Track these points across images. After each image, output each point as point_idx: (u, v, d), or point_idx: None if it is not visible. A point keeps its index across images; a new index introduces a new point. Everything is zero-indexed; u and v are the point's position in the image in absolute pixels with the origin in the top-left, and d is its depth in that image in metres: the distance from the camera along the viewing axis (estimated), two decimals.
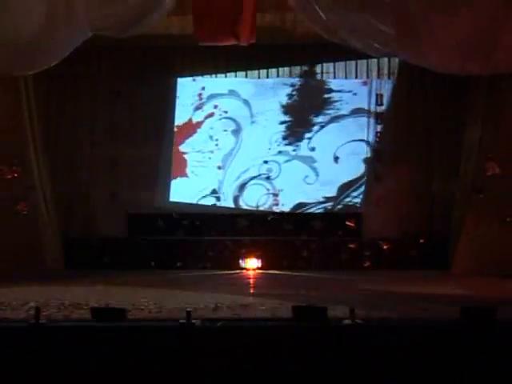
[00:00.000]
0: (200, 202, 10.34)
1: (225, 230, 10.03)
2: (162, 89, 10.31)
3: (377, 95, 10.15)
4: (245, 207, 10.34)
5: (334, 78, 10.19)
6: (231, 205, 10.36)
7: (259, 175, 10.39)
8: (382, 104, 10.14)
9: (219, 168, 10.36)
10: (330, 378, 4.70)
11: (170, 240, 9.85)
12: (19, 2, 6.38)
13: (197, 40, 7.22)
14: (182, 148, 10.44)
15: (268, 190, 10.39)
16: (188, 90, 10.43)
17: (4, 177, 8.49)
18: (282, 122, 10.38)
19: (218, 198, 10.36)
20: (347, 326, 4.82)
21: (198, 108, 10.45)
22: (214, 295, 6.67)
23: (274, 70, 10.20)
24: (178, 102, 10.43)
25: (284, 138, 10.38)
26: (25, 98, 8.95)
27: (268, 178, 10.38)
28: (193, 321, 4.81)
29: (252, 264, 9.43)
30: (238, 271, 9.26)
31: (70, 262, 9.43)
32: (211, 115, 10.43)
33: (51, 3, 6.36)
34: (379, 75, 10.15)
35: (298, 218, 10.18)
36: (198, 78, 10.40)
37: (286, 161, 10.37)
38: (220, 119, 10.43)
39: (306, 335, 4.82)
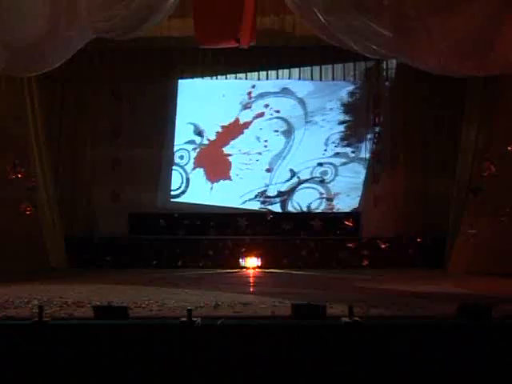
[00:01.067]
0: (243, 206, 10.10)
1: (225, 229, 10.03)
2: (164, 90, 10.30)
3: (374, 97, 10.15)
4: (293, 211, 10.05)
5: (333, 79, 10.19)
6: (278, 209, 10.13)
7: (312, 178, 10.13)
8: (379, 106, 10.13)
9: (267, 171, 10.14)
10: (329, 375, 4.69)
11: (171, 239, 9.85)
12: (24, 7, 6.38)
13: (198, 42, 7.22)
14: (226, 150, 10.21)
15: (321, 194, 10.18)
16: (236, 88, 10.20)
17: (8, 177, 8.47)
18: (342, 122, 10.16)
19: (264, 202, 10.11)
20: (346, 323, 4.81)
21: (246, 107, 10.23)
22: (215, 293, 6.66)
23: (273, 72, 10.20)
24: (224, 100, 10.16)
25: (342, 139, 10.13)
26: (28, 99, 8.94)
27: (322, 181, 10.12)
28: (193, 319, 4.79)
29: (252, 263, 9.44)
30: (238, 270, 9.26)
31: (73, 261, 9.43)
32: (261, 115, 10.23)
33: (54, 7, 6.36)
34: (377, 77, 10.14)
35: (298, 217, 10.17)
36: (249, 75, 10.15)
37: (344, 163, 10.12)
38: (270, 119, 10.22)
39: (306, 333, 4.82)
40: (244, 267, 9.39)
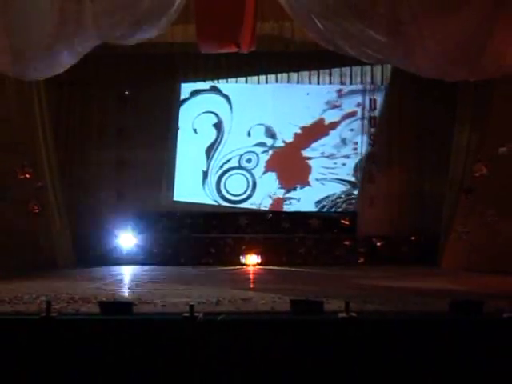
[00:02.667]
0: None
1: (226, 227, 10.03)
2: (167, 93, 10.31)
3: (370, 100, 10.15)
4: None
5: (330, 83, 10.19)
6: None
7: None
8: (375, 109, 10.14)
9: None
10: (327, 368, 4.70)
11: (174, 237, 9.85)
12: (33, 14, 6.38)
13: (199, 48, 7.22)
14: (305, 153, 9.90)
15: None
16: (321, 89, 9.98)
17: (17, 177, 8.47)
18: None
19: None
20: (342, 318, 4.81)
21: (334, 106, 10.01)
22: (216, 290, 6.67)
23: (272, 76, 10.20)
24: (308, 99, 9.91)
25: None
26: (37, 103, 8.94)
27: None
28: (196, 314, 4.80)
29: (252, 260, 9.43)
30: (238, 267, 9.25)
31: (79, 259, 9.42)
32: (352, 114, 10.03)
33: (62, 14, 6.36)
34: (373, 81, 10.15)
35: (296, 216, 10.17)
36: (335, 71, 9.82)
37: None
38: (362, 118, 10.05)
39: (304, 327, 4.82)
40: (244, 264, 9.38)
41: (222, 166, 10.38)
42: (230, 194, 10.34)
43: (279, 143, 10.26)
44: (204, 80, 10.25)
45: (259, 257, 9.45)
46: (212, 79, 10.26)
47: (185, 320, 4.76)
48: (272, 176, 10.24)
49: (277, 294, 6.17)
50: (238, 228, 10.00)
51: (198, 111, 10.40)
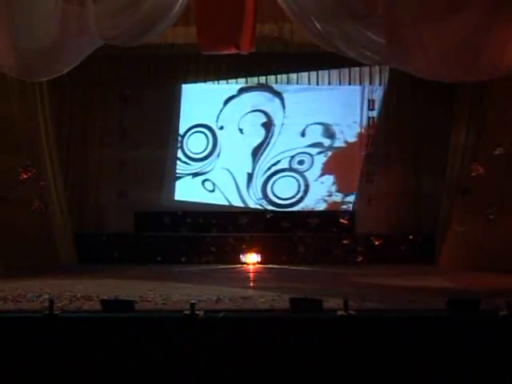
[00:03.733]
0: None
1: (226, 226, 10.03)
2: (168, 94, 10.31)
3: (369, 101, 10.16)
4: None
5: (329, 84, 10.20)
6: None
7: None
8: (373, 109, 10.15)
9: None
10: (326, 365, 4.71)
11: (174, 236, 9.85)
12: (35, 15, 6.39)
13: (200, 49, 7.24)
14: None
15: None
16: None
17: (20, 177, 8.48)
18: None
19: None
20: (341, 316, 4.82)
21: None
22: (217, 288, 6.67)
23: (272, 77, 10.20)
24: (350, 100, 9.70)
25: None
26: (39, 103, 8.94)
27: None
28: (196, 312, 4.81)
29: (252, 259, 9.42)
30: (238, 265, 9.24)
31: (82, 257, 9.43)
32: None
33: (65, 15, 6.37)
34: (371, 82, 10.16)
35: (295, 215, 10.17)
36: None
37: None
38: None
39: (303, 325, 4.83)
40: (244, 263, 9.37)
41: (269, 168, 10.22)
42: (278, 198, 10.13)
43: (339, 143, 10.02)
44: (205, 81, 10.25)
45: (259, 255, 9.44)
46: (213, 80, 10.25)
47: (186, 318, 4.78)
48: (329, 179, 10.02)
49: (276, 293, 6.17)
50: (238, 227, 10.00)
51: (246, 109, 10.23)
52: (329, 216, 10.09)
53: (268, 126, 10.23)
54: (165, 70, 10.06)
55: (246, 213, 10.15)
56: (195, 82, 10.28)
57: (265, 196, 10.28)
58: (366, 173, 10.09)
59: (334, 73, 10.12)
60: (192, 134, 10.40)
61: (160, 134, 10.22)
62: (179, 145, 10.35)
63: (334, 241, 9.74)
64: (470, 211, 8.67)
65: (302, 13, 6.71)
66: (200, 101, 10.30)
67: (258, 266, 9.28)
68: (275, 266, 9.11)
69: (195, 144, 10.38)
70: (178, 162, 10.37)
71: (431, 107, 9.80)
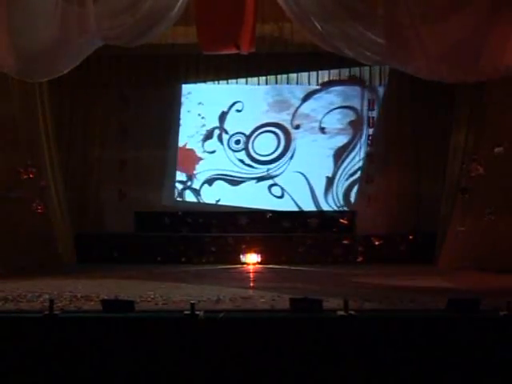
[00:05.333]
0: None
1: (226, 226, 10.02)
2: (168, 94, 10.31)
3: (369, 101, 10.15)
4: None
5: (329, 84, 10.18)
6: None
7: None
8: (373, 109, 10.14)
9: None
10: (326, 365, 4.70)
11: (175, 236, 9.84)
12: (36, 15, 6.39)
13: (200, 49, 7.24)
14: None
15: None
16: None
17: (20, 177, 8.48)
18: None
19: None
20: (341, 316, 4.82)
21: None
22: (217, 288, 6.67)
23: (272, 77, 10.19)
24: None
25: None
26: (40, 103, 8.93)
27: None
28: (196, 312, 4.81)
29: (252, 259, 9.42)
30: (238, 266, 9.24)
31: (82, 257, 9.43)
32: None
33: (65, 15, 6.37)
34: (371, 82, 10.15)
35: (295, 215, 10.17)
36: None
37: None
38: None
39: (303, 326, 4.83)
40: (244, 263, 9.37)
41: (354, 173, 10.12)
42: None
43: None
44: (205, 81, 10.25)
45: (259, 256, 9.44)
46: (213, 80, 10.25)
47: (186, 318, 4.78)
48: None
49: (276, 293, 6.17)
50: (239, 227, 10.00)
51: (330, 106, 10.02)
52: (329, 216, 10.08)
53: (356, 124, 10.02)
54: (165, 70, 10.05)
55: (246, 213, 10.14)
56: (195, 82, 10.28)
57: (347, 203, 10.07)
58: (365, 173, 10.09)
59: (335, 73, 10.10)
60: (260, 134, 10.19)
61: (160, 134, 10.21)
62: (244, 146, 10.16)
63: (334, 241, 9.73)
64: (469, 211, 8.67)
65: (302, 13, 6.72)
66: (272, 99, 10.14)
67: (258, 266, 9.28)
68: (275, 266, 9.11)
69: (263, 145, 10.17)
70: (241, 165, 10.20)
71: (431, 107, 9.80)
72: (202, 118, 10.31)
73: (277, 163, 10.20)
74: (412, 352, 4.71)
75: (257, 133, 10.25)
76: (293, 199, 10.19)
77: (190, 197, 10.34)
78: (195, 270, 8.69)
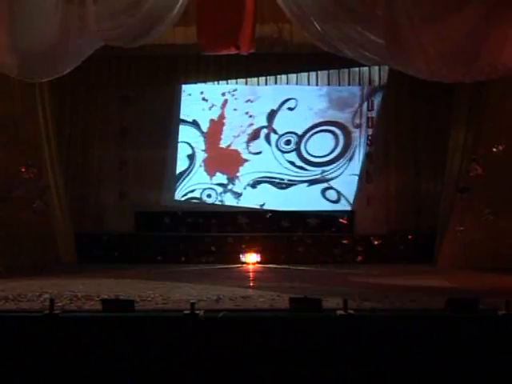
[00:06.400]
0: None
1: (226, 226, 10.02)
2: (168, 94, 10.31)
3: (368, 101, 10.15)
4: None
5: (328, 84, 10.19)
6: None
7: None
8: (373, 109, 10.14)
9: None
10: (325, 364, 4.70)
11: (174, 236, 9.84)
12: (36, 16, 6.39)
13: (200, 49, 7.24)
14: None
15: None
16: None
17: (21, 177, 8.48)
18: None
19: None
20: (340, 316, 4.82)
21: None
22: (217, 288, 6.67)
23: (272, 78, 10.19)
24: None
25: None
26: (40, 103, 8.95)
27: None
28: (196, 311, 4.80)
29: (252, 258, 9.42)
30: (238, 265, 9.24)
31: (82, 257, 9.42)
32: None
33: (65, 16, 6.37)
34: (370, 82, 10.15)
35: (295, 215, 10.16)
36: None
37: None
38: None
39: (302, 325, 4.83)
40: (244, 263, 9.37)
41: None
42: None
43: None
44: (205, 81, 10.24)
45: (259, 255, 9.45)
46: (213, 80, 10.24)
47: (186, 317, 4.77)
48: None
49: (276, 292, 6.17)
50: (238, 227, 9.99)
51: None
52: (328, 216, 10.07)
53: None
54: (165, 70, 10.05)
55: (246, 213, 10.14)
56: (195, 82, 10.27)
57: None
58: (365, 173, 10.09)
59: (334, 73, 10.09)
60: (314, 134, 10.00)
61: (160, 135, 10.20)
62: (295, 146, 9.97)
63: (334, 240, 9.74)
64: (468, 211, 8.67)
65: (301, 14, 6.72)
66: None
67: (257, 265, 9.28)
68: (275, 266, 9.11)
69: (318, 146, 9.96)
70: (291, 167, 10.01)
71: (430, 107, 9.79)
72: (250, 116, 10.06)
73: (334, 165, 10.01)
74: (411, 351, 4.71)
75: (311, 132, 9.99)
76: (350, 204, 10.07)
77: (229, 200, 10.15)
78: (195, 270, 8.69)
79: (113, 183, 10.10)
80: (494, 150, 8.24)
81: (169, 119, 10.28)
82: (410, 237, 9.73)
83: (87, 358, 4.70)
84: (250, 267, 9.13)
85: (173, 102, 10.31)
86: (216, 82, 10.24)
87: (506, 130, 8.33)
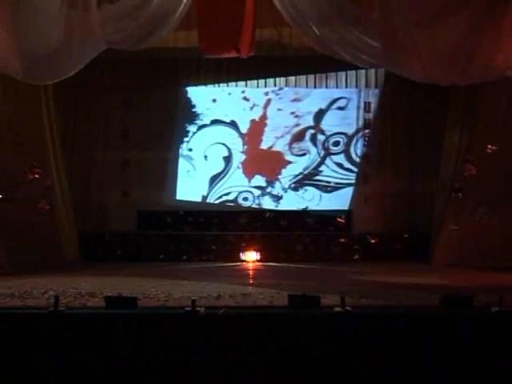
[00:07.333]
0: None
1: (226, 225, 10.03)
2: (170, 96, 10.30)
3: (365, 103, 10.16)
4: None
5: (326, 87, 10.20)
6: None
7: None
8: (369, 111, 10.15)
9: None
10: (323, 360, 4.71)
11: (176, 235, 9.84)
12: (41, 20, 6.39)
13: (202, 52, 7.25)
14: None
15: None
16: None
17: (26, 177, 8.48)
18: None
19: None
20: (338, 312, 4.83)
21: None
22: (217, 285, 6.66)
23: (271, 80, 10.20)
24: None
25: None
26: (45, 105, 8.93)
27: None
28: (197, 308, 4.81)
29: (251, 257, 9.43)
30: (238, 263, 9.24)
31: (86, 255, 9.42)
32: None
33: (69, 20, 6.38)
34: (367, 85, 10.16)
35: (293, 214, 10.17)
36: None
37: None
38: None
39: (301, 321, 4.83)
40: (244, 261, 9.38)
41: None
42: None
43: None
44: (205, 84, 10.24)
45: (258, 253, 9.45)
46: (213, 83, 10.25)
47: (187, 314, 4.78)
48: None
49: (275, 290, 6.17)
50: (238, 226, 9.99)
51: None
52: (326, 215, 10.08)
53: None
54: (167, 73, 10.05)
55: (246, 212, 10.14)
56: (196, 84, 10.27)
57: None
58: (362, 173, 10.10)
59: (332, 75, 10.10)
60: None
61: (162, 136, 10.20)
62: (344, 148, 9.92)
63: (331, 239, 9.74)
64: (463, 210, 8.68)
65: (300, 18, 6.74)
66: None
67: (257, 263, 9.28)
68: (274, 264, 9.12)
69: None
70: (338, 169, 9.93)
71: (425, 109, 9.81)
72: (296, 116, 9.89)
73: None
74: (407, 347, 4.72)
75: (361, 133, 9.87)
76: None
77: (268, 204, 9.99)
78: (196, 268, 8.70)
79: (115, 183, 10.10)
80: (488, 150, 8.24)
81: (170, 120, 10.28)
82: (405, 236, 9.74)
83: (91, 354, 4.70)
84: (250, 265, 9.14)
85: (175, 104, 10.31)
86: (217, 85, 10.22)
87: (500, 131, 8.33)
